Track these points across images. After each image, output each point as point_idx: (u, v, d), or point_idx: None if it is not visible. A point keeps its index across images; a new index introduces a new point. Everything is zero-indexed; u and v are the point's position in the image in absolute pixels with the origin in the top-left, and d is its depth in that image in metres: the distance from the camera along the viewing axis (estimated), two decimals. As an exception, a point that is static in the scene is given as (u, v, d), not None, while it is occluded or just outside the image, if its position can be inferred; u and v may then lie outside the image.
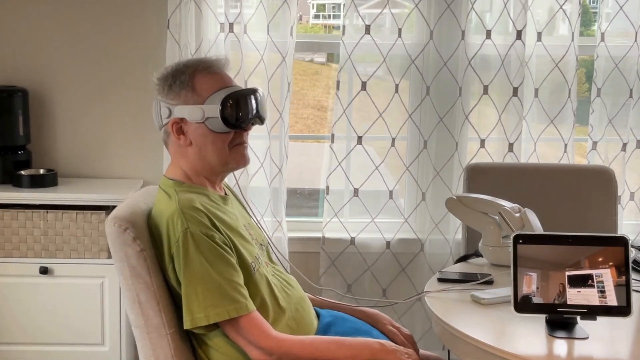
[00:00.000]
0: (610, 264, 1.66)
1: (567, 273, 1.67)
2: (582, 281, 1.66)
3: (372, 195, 2.93)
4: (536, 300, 1.66)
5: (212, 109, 1.73)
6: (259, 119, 1.82)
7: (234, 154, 1.79)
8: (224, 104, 1.73)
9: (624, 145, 2.93)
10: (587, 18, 3.29)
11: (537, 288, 1.67)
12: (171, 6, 2.67)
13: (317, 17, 4.31)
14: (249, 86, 2.72)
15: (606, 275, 1.66)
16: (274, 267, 1.89)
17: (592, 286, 1.66)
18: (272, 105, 2.76)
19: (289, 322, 1.78)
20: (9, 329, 2.60)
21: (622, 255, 1.67)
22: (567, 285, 1.66)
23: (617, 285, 1.65)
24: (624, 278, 1.65)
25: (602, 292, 1.65)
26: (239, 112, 1.76)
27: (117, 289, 2.56)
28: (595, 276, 1.66)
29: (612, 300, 1.64)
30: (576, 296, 1.65)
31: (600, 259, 1.67)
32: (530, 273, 1.68)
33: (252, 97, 1.80)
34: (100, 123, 2.88)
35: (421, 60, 2.84)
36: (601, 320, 1.66)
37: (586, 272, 1.67)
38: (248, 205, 2.11)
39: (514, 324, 1.71)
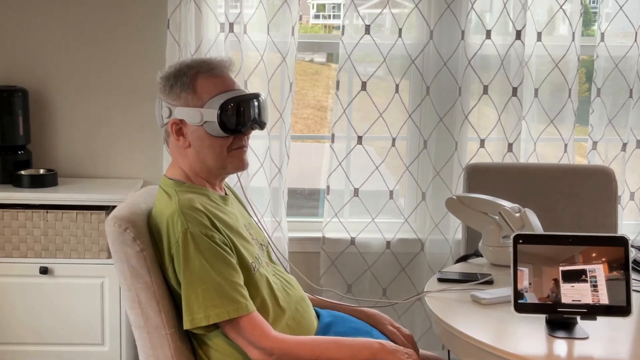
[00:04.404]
0: (603, 259, 1.67)
1: (561, 268, 1.67)
2: (575, 276, 1.67)
3: (372, 195, 2.93)
4: (528, 296, 1.66)
5: (211, 113, 1.73)
6: (259, 124, 1.81)
7: (232, 158, 1.79)
8: (222, 108, 1.73)
9: (624, 145, 2.93)
10: (587, 18, 3.29)
11: (530, 284, 1.67)
12: (171, 6, 2.67)
13: (317, 17, 4.31)
14: (249, 87, 2.73)
15: (599, 271, 1.67)
16: (274, 267, 1.89)
17: (585, 281, 1.66)
18: (272, 106, 2.76)
19: (289, 322, 1.78)
20: (9, 329, 2.60)
21: (619, 253, 1.67)
22: (561, 281, 1.66)
23: (608, 280, 1.65)
24: (615, 273, 1.66)
25: (594, 286, 1.65)
26: (237, 117, 1.74)
27: (117, 289, 2.56)
28: (589, 271, 1.67)
29: (603, 294, 1.65)
30: (570, 291, 1.66)
31: (593, 255, 1.68)
32: (522, 268, 1.68)
33: (252, 102, 1.79)
34: (100, 123, 2.88)
35: (421, 60, 2.84)
36: (601, 320, 1.66)
37: (579, 267, 1.67)
38: (249, 204, 2.11)
39: (514, 324, 1.71)
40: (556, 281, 1.66)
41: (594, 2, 3.30)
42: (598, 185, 2.64)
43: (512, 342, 1.66)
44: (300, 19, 2.83)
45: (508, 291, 1.72)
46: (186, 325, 1.65)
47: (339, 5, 2.89)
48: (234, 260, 1.68)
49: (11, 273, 2.58)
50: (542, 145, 2.93)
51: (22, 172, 2.68)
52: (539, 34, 2.84)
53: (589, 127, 2.95)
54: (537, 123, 2.91)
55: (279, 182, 2.83)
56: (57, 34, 2.82)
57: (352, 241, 2.90)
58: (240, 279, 1.67)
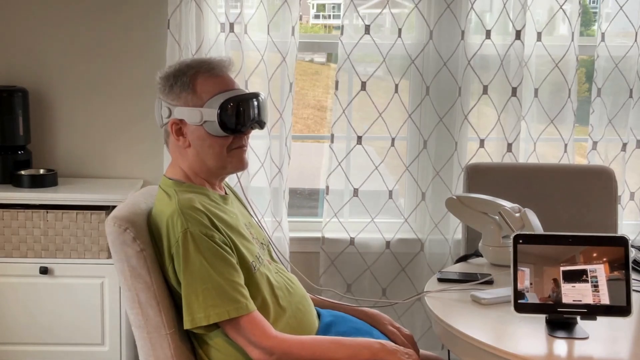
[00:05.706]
0: (604, 259, 1.67)
1: (562, 268, 1.67)
2: (576, 276, 1.67)
3: (372, 195, 2.93)
4: (529, 296, 1.66)
5: (211, 113, 1.73)
6: (259, 123, 1.82)
7: (232, 158, 1.79)
8: (222, 108, 1.73)
9: (624, 145, 2.93)
10: (587, 18, 3.29)
11: (531, 284, 1.67)
12: (171, 6, 2.67)
13: (317, 17, 4.31)
14: (250, 87, 2.73)
15: (600, 271, 1.67)
16: (277, 266, 1.89)
17: (586, 281, 1.66)
18: (272, 106, 2.76)
19: (290, 321, 1.78)
20: (9, 329, 2.60)
21: (619, 253, 1.67)
22: (561, 281, 1.66)
23: (609, 280, 1.66)
24: (616, 273, 1.66)
25: (595, 286, 1.66)
26: (237, 117, 1.75)
27: (117, 289, 2.56)
28: (590, 271, 1.67)
29: (604, 294, 1.65)
30: (571, 291, 1.66)
31: (594, 255, 1.68)
32: (523, 268, 1.68)
33: (252, 101, 1.79)
34: (100, 123, 2.88)
35: (421, 60, 2.84)
36: (601, 320, 1.66)
37: (580, 267, 1.67)
38: (249, 204, 2.11)
39: (514, 324, 1.71)
40: (556, 281, 1.66)
41: (594, 2, 3.30)
42: (598, 185, 2.64)
43: (512, 342, 1.66)
44: (300, 19, 2.83)
45: (508, 291, 1.72)
46: (186, 325, 1.65)
47: (339, 5, 2.89)
48: (234, 260, 1.68)
49: (11, 273, 2.58)
50: (542, 145, 2.93)
51: (22, 172, 2.68)
52: (539, 34, 2.84)
53: (589, 127, 2.95)
54: (536, 123, 2.91)
55: (279, 182, 2.83)
56: (57, 34, 2.82)
57: (352, 241, 2.90)
58: (240, 279, 1.67)
